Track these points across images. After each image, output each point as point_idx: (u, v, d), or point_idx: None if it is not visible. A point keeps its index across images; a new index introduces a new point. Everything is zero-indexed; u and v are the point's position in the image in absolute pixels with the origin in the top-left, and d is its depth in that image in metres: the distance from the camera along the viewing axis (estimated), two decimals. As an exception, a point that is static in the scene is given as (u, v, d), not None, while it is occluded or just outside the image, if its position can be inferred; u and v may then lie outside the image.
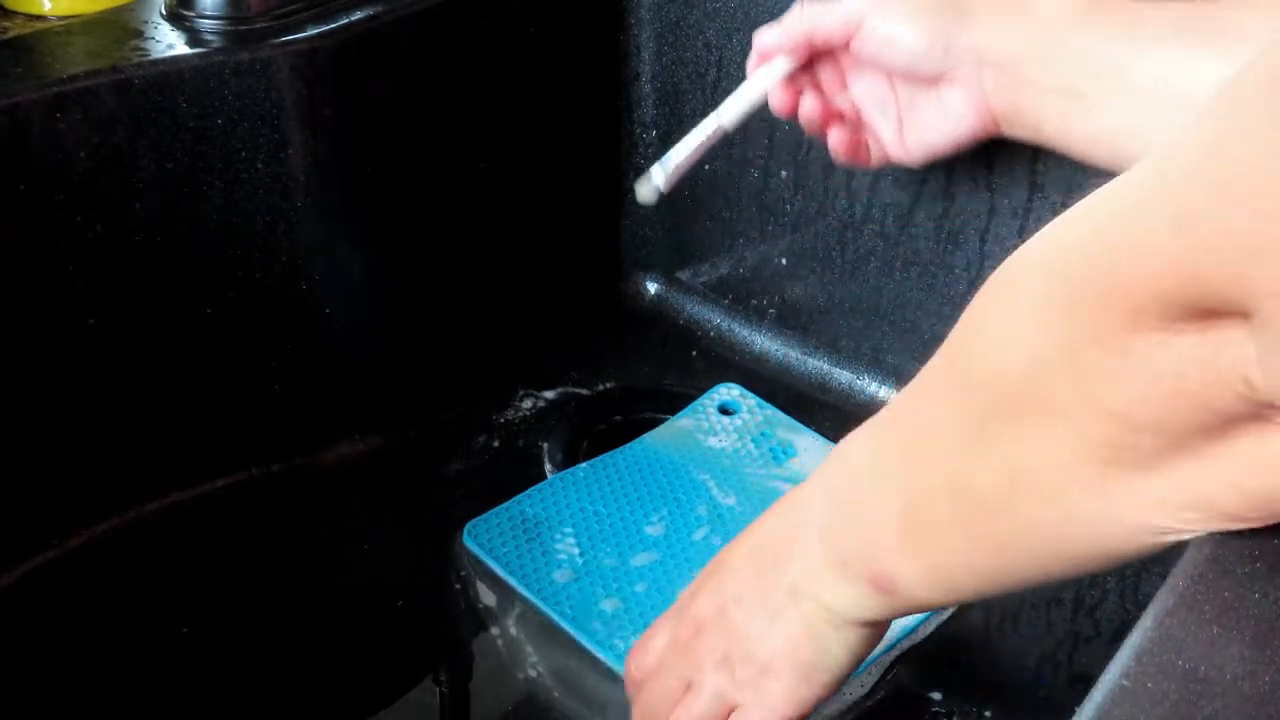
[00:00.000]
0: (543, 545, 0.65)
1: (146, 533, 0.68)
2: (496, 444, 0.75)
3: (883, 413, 0.43)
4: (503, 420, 0.77)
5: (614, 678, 0.58)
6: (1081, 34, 0.52)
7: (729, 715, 0.47)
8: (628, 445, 0.72)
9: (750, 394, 0.76)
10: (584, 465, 0.70)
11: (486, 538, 0.66)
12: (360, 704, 0.60)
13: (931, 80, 0.57)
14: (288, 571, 0.67)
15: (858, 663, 0.45)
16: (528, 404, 0.77)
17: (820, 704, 0.46)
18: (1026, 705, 0.59)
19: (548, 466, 0.73)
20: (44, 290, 0.61)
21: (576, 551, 0.65)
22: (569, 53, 0.77)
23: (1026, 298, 0.34)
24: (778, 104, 0.62)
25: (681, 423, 0.74)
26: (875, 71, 0.60)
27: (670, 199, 0.66)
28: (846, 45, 0.59)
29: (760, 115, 0.63)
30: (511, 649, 0.62)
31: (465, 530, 0.66)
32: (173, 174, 0.63)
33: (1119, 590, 0.65)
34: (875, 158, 0.63)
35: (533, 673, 0.61)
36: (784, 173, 0.76)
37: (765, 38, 0.60)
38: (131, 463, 0.67)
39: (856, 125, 0.62)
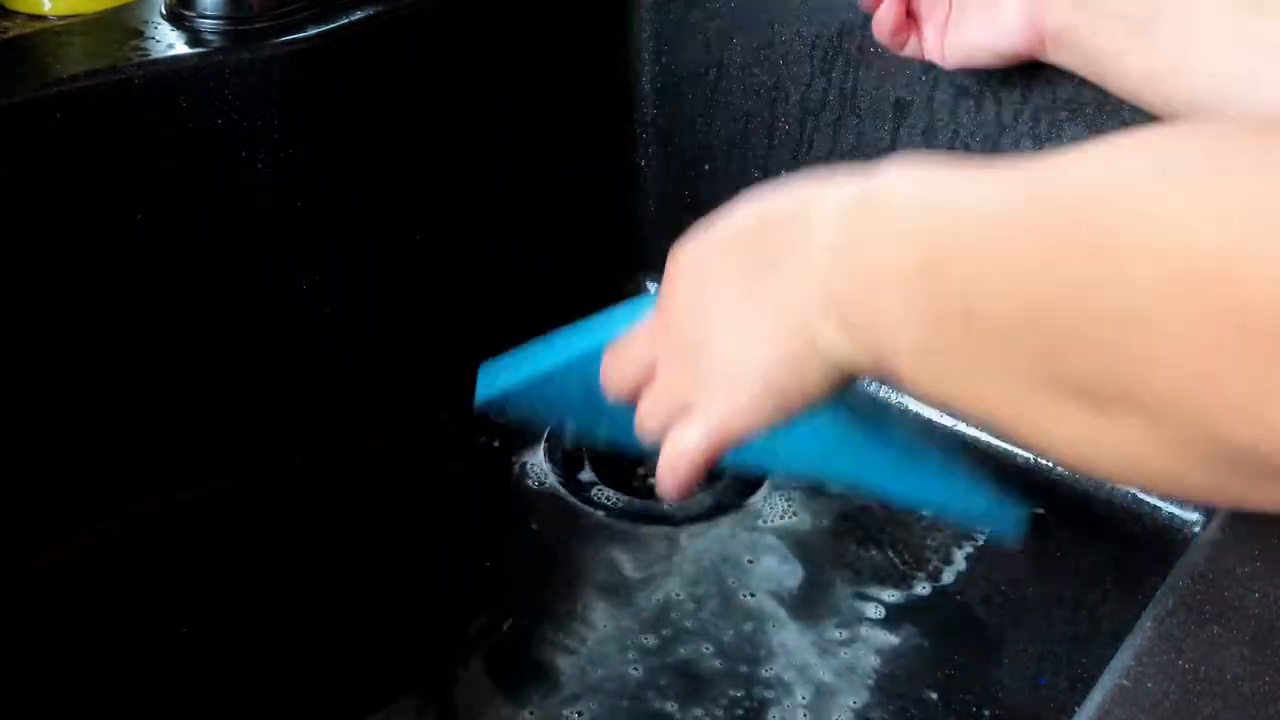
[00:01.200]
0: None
1: (146, 533, 0.68)
2: (496, 444, 0.75)
3: (956, 202, 0.32)
4: (503, 420, 0.76)
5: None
6: None
7: (680, 412, 0.42)
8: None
9: None
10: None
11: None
12: (360, 704, 0.60)
13: None
14: (288, 571, 0.67)
15: (829, 396, 0.40)
16: (528, 404, 0.77)
17: (773, 426, 0.40)
18: (1026, 705, 0.59)
19: (547, 466, 0.73)
20: (44, 290, 0.61)
21: None
22: (568, 53, 0.77)
23: None
24: None
25: None
26: None
27: (671, 197, 0.66)
28: None
29: (760, 119, 0.63)
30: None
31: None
32: (173, 174, 0.63)
33: (1119, 590, 0.64)
34: (911, 50, 0.61)
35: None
36: (784, 172, 0.76)
37: None
38: (132, 462, 0.67)
39: (909, 7, 0.60)
